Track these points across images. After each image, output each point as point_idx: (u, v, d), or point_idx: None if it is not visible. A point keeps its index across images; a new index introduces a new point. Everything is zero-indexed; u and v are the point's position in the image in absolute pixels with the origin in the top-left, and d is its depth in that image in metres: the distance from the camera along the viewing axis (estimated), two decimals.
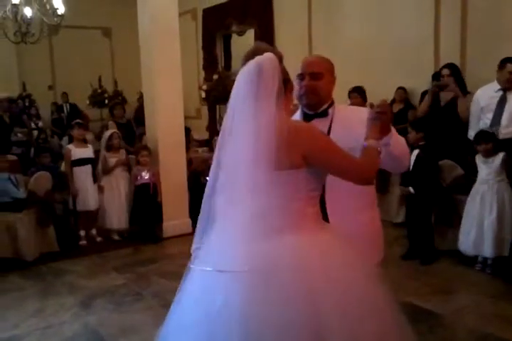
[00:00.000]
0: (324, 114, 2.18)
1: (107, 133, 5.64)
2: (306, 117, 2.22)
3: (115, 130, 5.87)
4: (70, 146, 5.43)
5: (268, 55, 1.76)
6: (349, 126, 2.11)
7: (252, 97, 1.71)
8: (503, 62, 4.56)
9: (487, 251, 4.16)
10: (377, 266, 2.08)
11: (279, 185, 1.72)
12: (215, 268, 1.67)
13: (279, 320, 1.58)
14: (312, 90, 2.14)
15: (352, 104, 5.73)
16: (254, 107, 1.71)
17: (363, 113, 2.08)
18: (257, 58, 1.75)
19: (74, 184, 5.24)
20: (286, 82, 1.82)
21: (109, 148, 5.51)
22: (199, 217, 1.83)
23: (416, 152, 4.57)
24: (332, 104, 2.21)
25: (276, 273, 1.64)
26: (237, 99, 1.75)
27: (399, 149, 2.14)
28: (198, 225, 1.83)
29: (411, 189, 4.59)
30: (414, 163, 4.55)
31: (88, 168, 5.34)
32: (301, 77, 2.17)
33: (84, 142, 5.54)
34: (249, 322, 1.60)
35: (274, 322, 1.58)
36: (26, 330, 3.38)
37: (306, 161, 1.73)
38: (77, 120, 5.91)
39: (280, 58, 1.80)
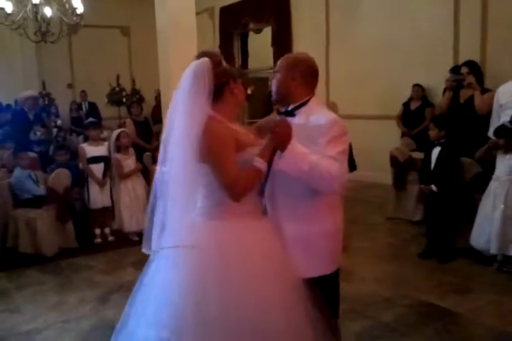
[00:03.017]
0: (291, 113, 2.12)
1: (114, 133, 5.39)
2: (279, 114, 2.23)
3: (123, 129, 5.70)
4: (84, 145, 5.43)
5: (202, 60, 1.90)
6: (307, 130, 2.01)
7: (184, 98, 1.87)
8: None
9: (493, 247, 4.12)
10: (302, 281, 1.89)
11: (202, 175, 1.90)
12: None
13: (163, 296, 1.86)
14: (272, 87, 2.19)
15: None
16: (185, 106, 1.86)
17: (321, 119, 1.99)
18: (193, 63, 1.91)
19: (96, 178, 5.24)
20: (223, 85, 1.92)
21: (118, 148, 5.31)
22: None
23: (437, 149, 4.52)
24: (304, 103, 2.11)
25: (181, 254, 1.87)
26: (177, 98, 1.90)
27: (294, 170, 1.90)
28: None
29: (433, 187, 4.48)
30: (437, 161, 4.50)
31: (101, 166, 5.29)
32: None
33: (99, 140, 5.46)
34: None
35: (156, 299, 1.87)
36: (45, 324, 3.44)
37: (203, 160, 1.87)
38: (91, 119, 5.90)
39: (218, 62, 1.92)
